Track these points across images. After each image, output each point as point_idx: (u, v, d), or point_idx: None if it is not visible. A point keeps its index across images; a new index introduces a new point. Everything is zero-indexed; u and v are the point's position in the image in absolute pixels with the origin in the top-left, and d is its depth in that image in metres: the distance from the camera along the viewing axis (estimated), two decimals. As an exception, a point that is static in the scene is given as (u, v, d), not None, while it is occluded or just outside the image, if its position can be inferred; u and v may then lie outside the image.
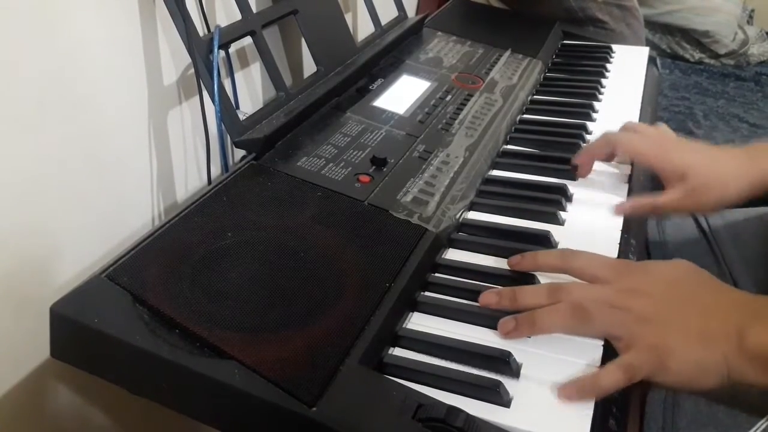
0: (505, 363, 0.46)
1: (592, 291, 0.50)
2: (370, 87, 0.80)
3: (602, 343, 0.49)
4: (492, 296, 0.52)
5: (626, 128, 0.74)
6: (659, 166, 0.68)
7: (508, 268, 0.56)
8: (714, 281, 0.52)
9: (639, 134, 0.72)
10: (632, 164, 0.75)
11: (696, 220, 0.77)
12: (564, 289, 0.51)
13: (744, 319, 0.47)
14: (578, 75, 1.00)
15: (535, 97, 0.92)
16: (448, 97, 0.82)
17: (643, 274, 0.52)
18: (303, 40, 0.79)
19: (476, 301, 0.53)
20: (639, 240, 0.66)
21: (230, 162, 0.72)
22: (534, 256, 0.55)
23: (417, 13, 1.21)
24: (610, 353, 0.49)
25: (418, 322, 0.51)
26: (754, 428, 0.46)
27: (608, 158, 0.74)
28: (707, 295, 0.50)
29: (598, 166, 0.74)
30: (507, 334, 0.49)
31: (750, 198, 0.67)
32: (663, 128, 0.74)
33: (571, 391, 0.45)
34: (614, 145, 0.71)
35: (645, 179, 0.76)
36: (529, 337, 0.49)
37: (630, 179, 0.73)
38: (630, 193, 0.70)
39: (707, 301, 0.49)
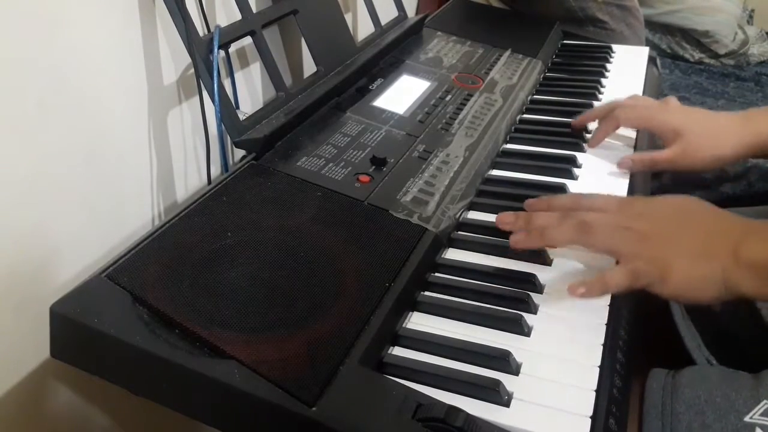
0: (504, 362, 0.46)
1: (599, 215, 0.55)
2: (370, 87, 0.80)
3: (602, 342, 0.49)
4: (510, 216, 0.58)
5: (630, 98, 0.80)
6: (657, 126, 0.74)
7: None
8: (714, 208, 0.55)
9: (639, 106, 0.77)
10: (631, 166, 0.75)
11: None
12: (575, 213, 0.55)
13: (742, 235, 0.51)
14: (578, 75, 1.00)
15: (535, 96, 0.92)
16: (448, 97, 0.82)
17: (647, 203, 0.57)
18: (303, 40, 0.79)
19: (476, 301, 0.53)
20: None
21: (230, 162, 0.72)
22: (549, 199, 0.60)
23: (417, 13, 1.21)
24: (608, 352, 0.49)
25: (418, 322, 0.51)
26: (752, 411, 0.46)
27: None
28: (707, 218, 0.54)
29: (597, 165, 0.74)
30: (517, 243, 0.55)
31: (746, 158, 0.72)
32: (671, 101, 0.79)
33: (580, 289, 0.50)
34: (618, 121, 0.76)
35: (645, 179, 0.77)
36: (544, 265, 0.56)
37: (630, 177, 0.73)
38: (630, 191, 0.70)
39: (707, 222, 0.54)
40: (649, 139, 0.81)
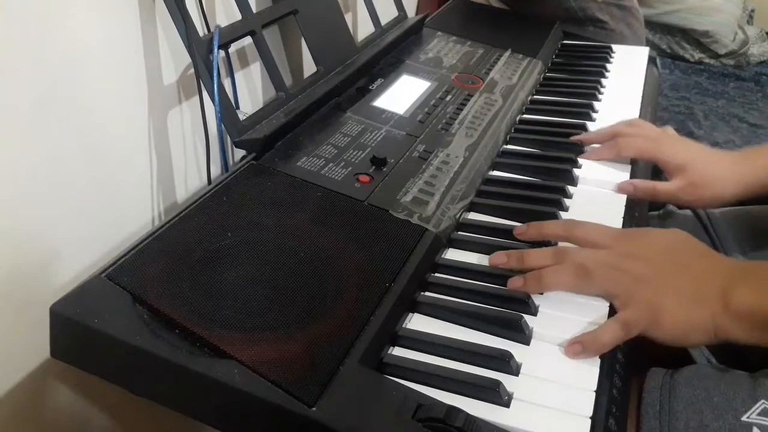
0: (504, 363, 0.46)
1: (594, 254, 0.55)
2: (370, 87, 0.80)
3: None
4: (501, 257, 0.57)
5: (632, 124, 0.78)
6: (661, 158, 0.73)
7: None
8: (706, 249, 0.56)
9: (642, 136, 0.75)
10: (631, 165, 0.75)
11: (696, 214, 0.78)
12: (568, 252, 0.55)
13: (730, 281, 0.51)
14: (578, 75, 1.00)
15: (535, 97, 0.92)
16: (448, 97, 0.82)
17: (640, 240, 0.56)
18: (303, 40, 0.79)
19: (476, 301, 0.53)
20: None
21: (230, 162, 0.72)
22: (539, 226, 0.59)
23: (417, 13, 1.21)
24: (608, 352, 0.49)
25: (418, 322, 0.51)
26: (750, 411, 0.46)
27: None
28: (700, 260, 0.54)
29: (597, 168, 0.74)
30: (515, 288, 0.54)
31: (745, 198, 0.71)
32: (669, 130, 0.78)
33: (575, 349, 0.49)
34: (619, 149, 0.75)
35: (645, 177, 0.77)
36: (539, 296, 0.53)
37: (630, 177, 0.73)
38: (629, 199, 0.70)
39: (699, 265, 0.54)
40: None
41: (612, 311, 0.52)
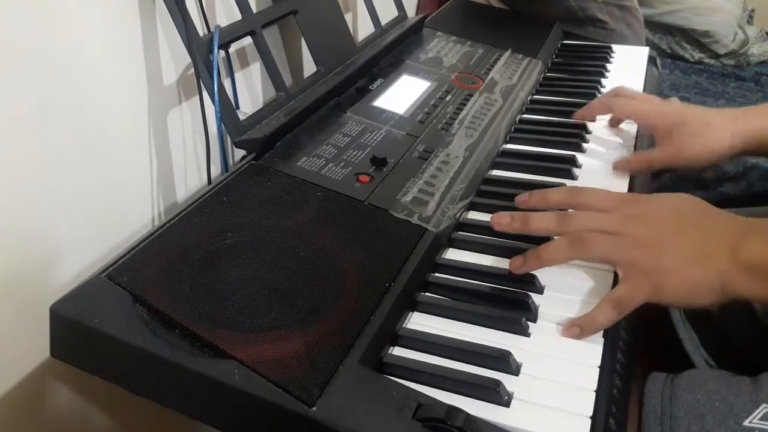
0: (504, 362, 0.46)
1: (595, 219, 0.54)
2: (370, 87, 0.80)
3: (602, 342, 0.49)
4: (505, 217, 0.56)
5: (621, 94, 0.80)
6: (654, 122, 0.73)
7: (508, 267, 0.55)
8: (713, 209, 0.55)
9: (641, 99, 0.77)
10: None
11: None
12: (571, 216, 0.55)
13: (740, 235, 0.50)
14: (578, 75, 1.00)
15: (534, 96, 0.92)
16: (448, 97, 0.82)
17: (647, 202, 0.56)
18: (303, 40, 0.79)
19: (476, 301, 0.53)
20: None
21: (230, 162, 0.72)
22: (543, 193, 0.59)
23: (417, 13, 1.21)
24: (608, 352, 0.49)
25: (418, 322, 0.51)
26: (751, 416, 0.46)
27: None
28: (707, 221, 0.54)
29: (597, 165, 0.74)
30: (517, 269, 0.54)
31: (742, 153, 0.70)
32: (674, 101, 0.78)
33: (573, 332, 0.49)
34: (612, 108, 0.77)
35: (645, 179, 0.77)
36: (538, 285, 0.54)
37: (630, 178, 0.73)
38: (630, 191, 0.70)
39: (705, 225, 0.53)
40: (648, 138, 0.81)
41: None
